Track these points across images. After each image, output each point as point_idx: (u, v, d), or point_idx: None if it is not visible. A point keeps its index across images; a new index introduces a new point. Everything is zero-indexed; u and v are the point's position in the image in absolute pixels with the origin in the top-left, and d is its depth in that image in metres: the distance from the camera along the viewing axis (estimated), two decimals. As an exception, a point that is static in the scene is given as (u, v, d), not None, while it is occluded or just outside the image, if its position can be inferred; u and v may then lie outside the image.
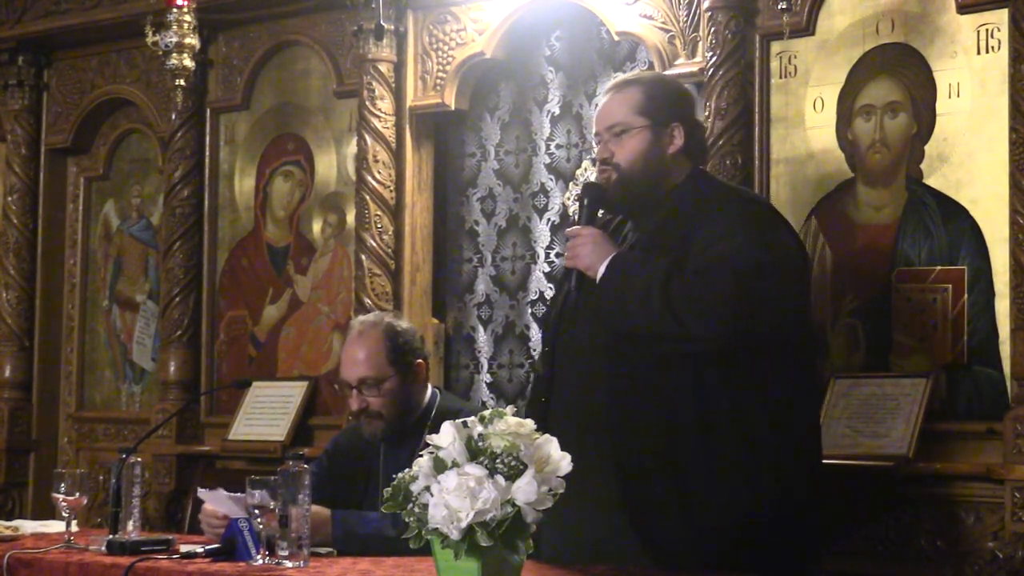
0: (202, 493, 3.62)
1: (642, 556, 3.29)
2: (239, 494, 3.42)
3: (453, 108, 5.33)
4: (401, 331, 3.94)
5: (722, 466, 3.28)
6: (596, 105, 5.06)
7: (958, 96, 4.19)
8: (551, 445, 2.76)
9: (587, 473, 3.25)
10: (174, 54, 4.79)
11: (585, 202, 3.56)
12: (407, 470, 2.80)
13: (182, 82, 4.91)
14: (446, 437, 2.75)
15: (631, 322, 3.34)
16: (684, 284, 3.28)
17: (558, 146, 5.24)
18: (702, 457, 3.29)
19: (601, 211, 3.62)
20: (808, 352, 3.56)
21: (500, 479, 2.68)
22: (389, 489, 2.81)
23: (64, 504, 3.72)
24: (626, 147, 3.52)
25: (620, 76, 3.87)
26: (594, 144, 3.74)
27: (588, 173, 5.11)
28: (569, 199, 5.18)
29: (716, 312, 3.24)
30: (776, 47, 4.52)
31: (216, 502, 3.59)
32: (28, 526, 4.04)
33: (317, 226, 5.66)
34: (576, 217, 3.67)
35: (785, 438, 3.34)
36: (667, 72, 4.71)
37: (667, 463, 3.30)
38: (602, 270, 3.40)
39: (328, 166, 5.67)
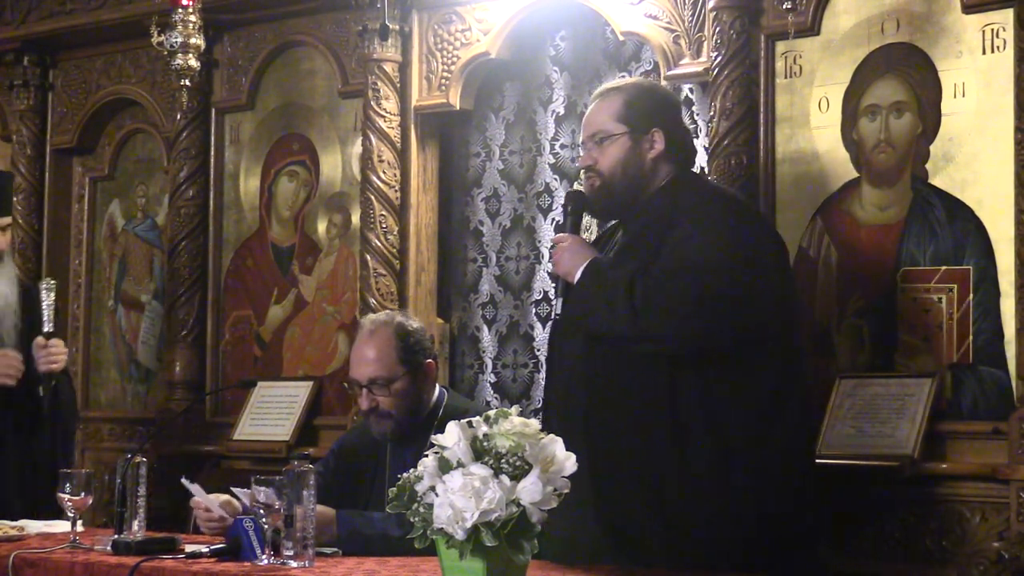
0: (189, 485, 3.67)
1: (618, 558, 3.29)
2: (245, 490, 3.44)
3: (458, 108, 5.33)
4: (412, 331, 3.92)
5: (696, 472, 3.29)
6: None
7: (963, 96, 4.19)
8: (556, 445, 2.76)
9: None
10: (179, 54, 4.80)
11: (569, 209, 3.65)
12: (412, 470, 2.80)
13: (187, 82, 4.92)
14: (451, 437, 2.75)
15: (599, 325, 3.40)
16: (647, 286, 3.32)
17: (563, 146, 5.24)
18: (676, 462, 3.30)
19: (591, 218, 3.68)
20: (790, 352, 3.48)
21: (505, 479, 2.68)
22: (394, 489, 2.81)
23: (69, 504, 3.72)
24: (607, 154, 3.58)
25: (606, 84, 3.91)
26: (581, 152, 3.76)
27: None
28: (573, 199, 5.18)
29: (676, 313, 3.28)
30: (781, 47, 4.52)
31: (199, 494, 3.65)
32: (33, 526, 4.04)
33: (322, 226, 5.66)
34: (561, 225, 3.73)
35: (762, 443, 3.32)
36: (671, 72, 4.73)
37: (642, 468, 3.32)
38: (578, 275, 3.46)
39: (333, 166, 5.67)
